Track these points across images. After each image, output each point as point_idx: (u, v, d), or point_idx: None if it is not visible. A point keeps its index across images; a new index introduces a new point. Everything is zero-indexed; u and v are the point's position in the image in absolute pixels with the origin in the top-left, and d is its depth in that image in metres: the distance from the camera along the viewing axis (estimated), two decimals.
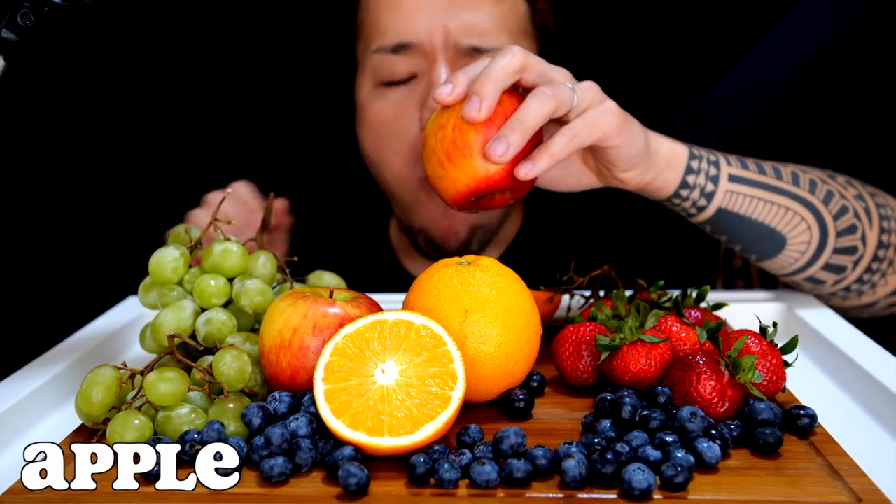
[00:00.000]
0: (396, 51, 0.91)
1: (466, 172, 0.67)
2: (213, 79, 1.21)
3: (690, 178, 0.77)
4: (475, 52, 0.90)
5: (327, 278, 0.76)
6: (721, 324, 0.65)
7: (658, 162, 0.75)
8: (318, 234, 1.11)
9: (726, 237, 0.83)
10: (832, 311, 0.86)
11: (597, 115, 0.69)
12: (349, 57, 1.02)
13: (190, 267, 0.70)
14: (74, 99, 1.19)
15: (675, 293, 0.74)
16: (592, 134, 0.68)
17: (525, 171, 0.67)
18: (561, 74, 0.70)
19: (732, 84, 1.15)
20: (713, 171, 0.77)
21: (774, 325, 0.63)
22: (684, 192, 0.78)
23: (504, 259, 1.04)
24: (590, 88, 0.70)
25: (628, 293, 0.80)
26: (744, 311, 0.85)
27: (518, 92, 0.69)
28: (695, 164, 0.77)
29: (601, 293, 0.81)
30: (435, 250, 0.99)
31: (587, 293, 0.82)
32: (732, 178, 0.78)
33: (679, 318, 0.67)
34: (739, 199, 0.79)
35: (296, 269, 0.77)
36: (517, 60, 0.67)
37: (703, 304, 0.74)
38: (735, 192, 0.78)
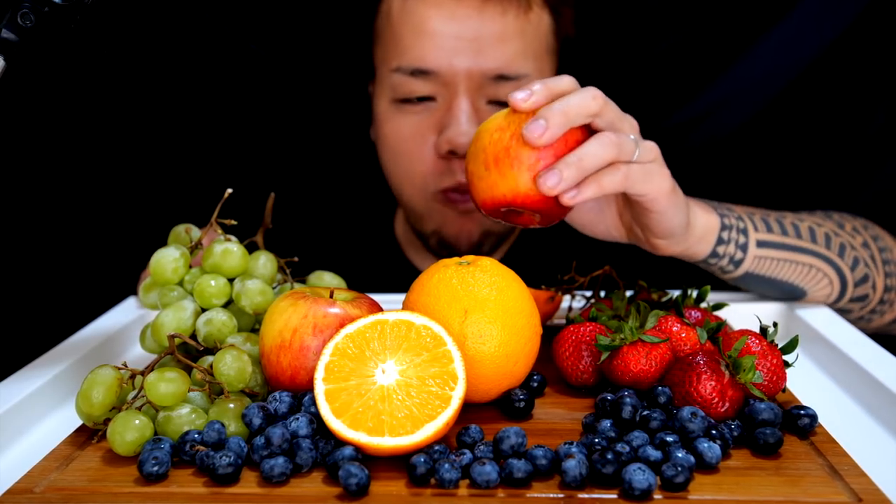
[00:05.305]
0: (415, 74, 0.91)
1: (507, 183, 0.65)
2: (216, 78, 1.21)
3: (721, 248, 0.78)
4: (500, 80, 0.90)
5: (327, 278, 0.76)
6: (721, 324, 0.65)
7: (692, 236, 0.76)
8: (322, 231, 1.11)
9: (747, 290, 0.86)
10: (832, 311, 0.86)
11: (654, 169, 0.68)
12: (362, 58, 1.01)
13: (190, 267, 0.70)
14: (74, 99, 1.19)
15: (676, 293, 0.74)
16: (645, 184, 0.67)
17: (570, 196, 0.65)
18: (629, 126, 0.69)
19: (733, 84, 1.15)
20: (742, 239, 0.79)
21: (775, 325, 0.63)
22: (713, 261, 0.79)
23: (505, 259, 1.05)
24: (652, 149, 0.69)
25: (629, 293, 0.80)
26: (744, 311, 0.85)
27: (583, 127, 0.67)
28: (725, 234, 0.78)
29: (602, 293, 0.81)
30: (446, 249, 1.00)
31: (588, 293, 0.82)
32: (760, 244, 0.80)
33: (679, 318, 0.66)
34: (766, 263, 0.81)
35: (296, 269, 0.77)
36: (595, 105, 0.65)
37: (703, 304, 0.74)
38: (762, 257, 0.81)
